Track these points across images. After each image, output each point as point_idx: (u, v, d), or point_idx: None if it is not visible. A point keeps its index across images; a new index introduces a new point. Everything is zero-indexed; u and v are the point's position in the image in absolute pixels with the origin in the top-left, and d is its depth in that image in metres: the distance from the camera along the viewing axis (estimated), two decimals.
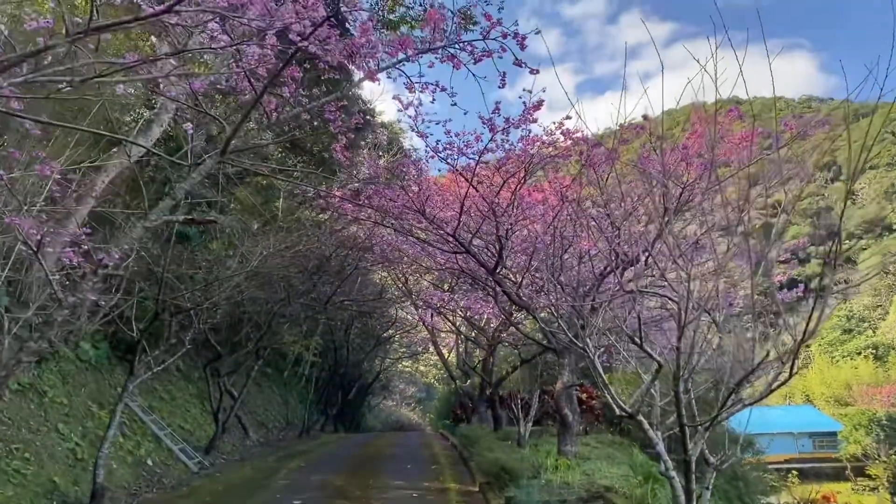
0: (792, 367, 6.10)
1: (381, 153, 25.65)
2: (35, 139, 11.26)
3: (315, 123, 10.80)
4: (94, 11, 4.55)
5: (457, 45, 8.30)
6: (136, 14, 4.32)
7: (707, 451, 7.36)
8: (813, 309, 5.87)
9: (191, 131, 8.41)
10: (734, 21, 5.79)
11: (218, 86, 9.41)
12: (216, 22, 5.93)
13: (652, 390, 7.95)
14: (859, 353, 78.21)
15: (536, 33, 7.66)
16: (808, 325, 5.93)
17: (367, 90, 37.37)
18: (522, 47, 7.95)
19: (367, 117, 23.78)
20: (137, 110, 15.61)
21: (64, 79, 4.29)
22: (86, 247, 7.85)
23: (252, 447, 20.60)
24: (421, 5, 14.92)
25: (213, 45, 6.17)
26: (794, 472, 40.35)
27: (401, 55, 8.45)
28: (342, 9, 6.65)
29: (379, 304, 26.68)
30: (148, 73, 5.85)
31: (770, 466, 33.89)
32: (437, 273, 22.86)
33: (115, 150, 13.12)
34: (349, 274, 20.05)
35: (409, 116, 12.00)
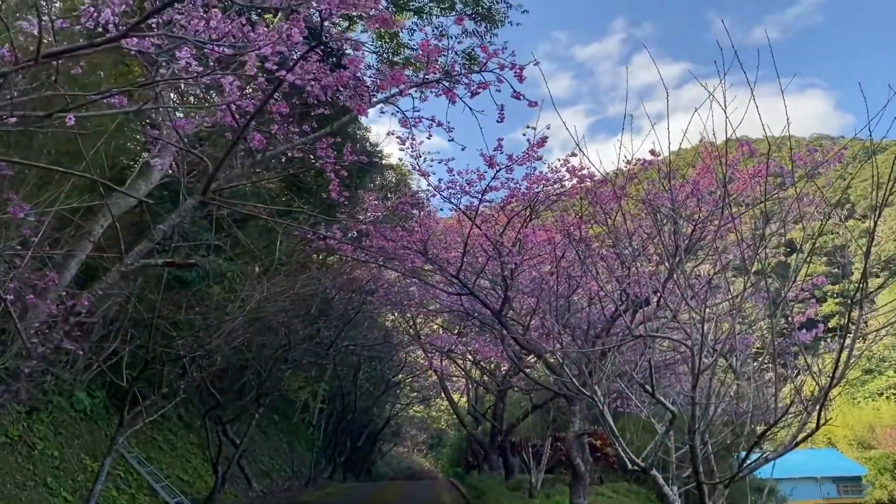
0: (819, 417, 5.55)
1: (388, 194, 25.44)
2: (31, 183, 11.05)
3: (314, 162, 10.54)
4: (53, 38, 4.23)
5: (452, 77, 7.98)
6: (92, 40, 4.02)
7: None
8: (840, 351, 5.37)
9: (157, 165, 8.09)
10: (746, 60, 5.46)
11: (205, 125, 9.14)
12: (188, 49, 5.65)
13: (666, 441, 7.40)
14: (881, 394, 76.46)
15: (535, 64, 7.33)
16: (835, 369, 5.42)
17: (374, 132, 37.35)
18: (521, 79, 7.61)
19: (374, 159, 23.63)
20: (139, 155, 15.42)
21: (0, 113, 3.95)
22: (62, 293, 7.48)
23: (254, 498, 19.91)
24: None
25: (184, 76, 5.88)
26: None
27: (393, 89, 8.16)
28: (325, 38, 6.35)
29: (386, 348, 26.14)
30: (116, 106, 5.55)
31: None
32: (446, 316, 22.39)
33: (114, 194, 12.86)
34: (352, 318, 19.58)
35: (412, 156, 11.74)
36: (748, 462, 5.99)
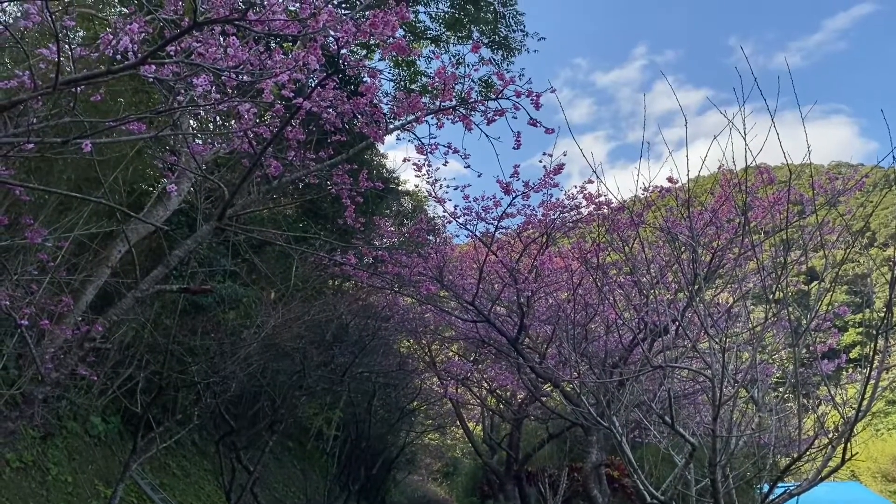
0: (845, 452, 5.40)
1: (405, 220, 25.51)
2: (51, 208, 11.15)
3: (330, 189, 10.61)
4: (73, 66, 4.27)
5: (468, 104, 8.00)
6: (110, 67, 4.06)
7: None
8: (867, 382, 5.24)
9: (174, 191, 8.14)
10: (769, 87, 5.39)
11: (222, 151, 9.22)
12: (206, 76, 5.70)
13: (686, 474, 7.24)
14: None
15: (552, 92, 7.32)
16: (861, 401, 5.29)
17: (391, 158, 37.66)
18: (537, 106, 7.61)
19: (391, 185, 23.72)
20: (157, 181, 15.57)
21: (18, 139, 3.97)
22: (78, 318, 7.50)
23: None
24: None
25: (202, 103, 5.92)
26: None
27: (410, 116, 8.19)
28: (342, 65, 6.39)
29: (401, 375, 25.95)
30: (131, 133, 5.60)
31: None
32: (462, 343, 22.25)
33: (131, 220, 12.96)
34: (367, 344, 19.48)
35: (428, 182, 11.78)
36: (772, 497, 5.83)
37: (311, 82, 7.14)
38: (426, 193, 20.95)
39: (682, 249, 9.79)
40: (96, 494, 13.27)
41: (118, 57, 5.33)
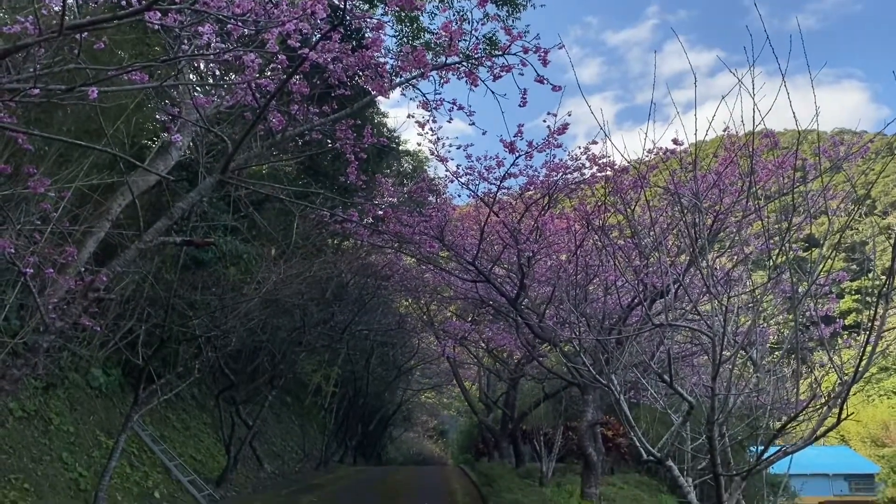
0: (840, 412, 5.47)
1: (405, 181, 25.41)
2: (51, 160, 11.09)
3: (332, 145, 10.55)
4: (77, 12, 4.20)
5: (474, 60, 7.90)
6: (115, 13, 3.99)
7: (743, 501, 6.71)
8: (865, 345, 5.29)
9: (178, 141, 8.08)
10: (783, 48, 5.28)
11: (224, 105, 9.10)
12: (210, 25, 5.61)
13: (682, 432, 7.34)
14: None
15: (560, 48, 7.23)
16: (859, 363, 5.34)
17: (393, 117, 37.32)
18: (545, 63, 7.52)
19: (392, 144, 23.56)
20: (158, 135, 15.44)
21: (24, 87, 3.91)
22: (81, 269, 7.51)
23: (266, 479, 20.02)
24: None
25: (206, 52, 5.84)
26: None
27: (415, 71, 8.09)
28: (347, 17, 6.29)
29: (399, 333, 26.13)
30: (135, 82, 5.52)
31: None
32: (460, 303, 22.36)
33: (133, 172, 12.88)
34: (366, 302, 19.60)
35: (430, 141, 11.69)
36: (767, 455, 5.92)
37: (315, 34, 7.03)
38: (427, 154, 20.79)
39: (685, 211, 9.79)
40: (98, 444, 13.46)
41: (123, 3, 5.25)
